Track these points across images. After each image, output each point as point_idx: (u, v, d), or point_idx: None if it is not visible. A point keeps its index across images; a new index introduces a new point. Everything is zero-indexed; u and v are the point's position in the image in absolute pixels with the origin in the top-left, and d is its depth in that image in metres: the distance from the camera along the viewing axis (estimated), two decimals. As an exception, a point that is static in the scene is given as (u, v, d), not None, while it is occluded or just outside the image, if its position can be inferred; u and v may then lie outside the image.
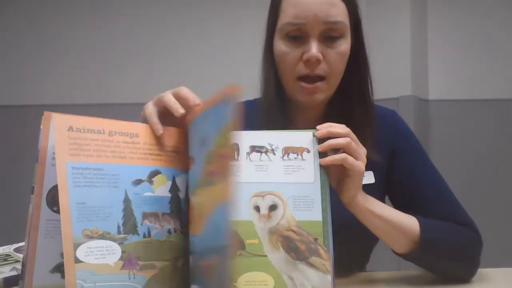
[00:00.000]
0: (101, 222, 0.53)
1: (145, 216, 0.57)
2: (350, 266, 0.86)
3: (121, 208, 0.55)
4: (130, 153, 0.58)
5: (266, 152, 0.66)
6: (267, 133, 0.69)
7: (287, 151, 0.66)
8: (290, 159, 0.66)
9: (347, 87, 0.84)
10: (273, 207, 0.64)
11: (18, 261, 0.70)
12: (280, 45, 0.80)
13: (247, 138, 0.66)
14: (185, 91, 0.63)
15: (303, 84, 0.79)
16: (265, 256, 0.62)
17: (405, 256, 0.76)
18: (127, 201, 0.56)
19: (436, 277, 0.80)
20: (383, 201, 0.85)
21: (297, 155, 0.66)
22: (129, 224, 0.55)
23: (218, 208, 0.51)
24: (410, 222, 0.74)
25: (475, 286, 0.78)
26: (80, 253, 0.51)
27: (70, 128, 0.55)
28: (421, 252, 0.74)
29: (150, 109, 0.62)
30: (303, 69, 0.79)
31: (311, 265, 0.62)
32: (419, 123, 2.37)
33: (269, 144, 0.66)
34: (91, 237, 0.52)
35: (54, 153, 0.56)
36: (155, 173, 0.59)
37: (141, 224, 0.56)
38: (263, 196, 0.64)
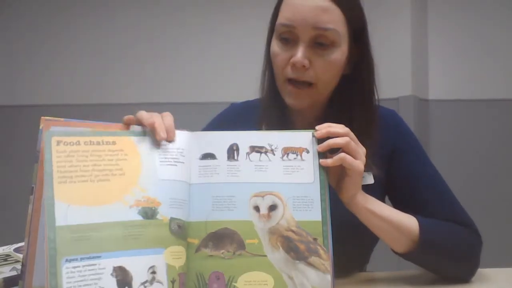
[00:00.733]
0: None
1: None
2: (350, 266, 0.86)
3: None
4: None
5: (265, 152, 0.66)
6: (266, 133, 0.69)
7: (286, 151, 0.66)
8: (289, 159, 0.66)
9: (349, 90, 0.83)
10: (272, 207, 0.64)
11: (18, 261, 0.70)
12: (274, 46, 0.80)
13: (246, 138, 0.67)
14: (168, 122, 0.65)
15: (290, 87, 0.79)
16: (265, 256, 0.62)
17: (405, 256, 0.76)
18: None
19: (436, 277, 0.80)
20: (383, 201, 0.85)
21: (297, 155, 0.66)
22: None
23: None
24: (410, 222, 0.74)
25: (475, 286, 0.78)
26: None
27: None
28: (421, 252, 0.74)
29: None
30: (290, 72, 0.78)
31: (311, 265, 0.62)
32: (419, 123, 2.37)
33: (268, 144, 0.67)
34: None
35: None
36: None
37: None
38: (262, 196, 0.64)
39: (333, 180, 0.70)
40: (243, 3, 2.55)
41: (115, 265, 0.55)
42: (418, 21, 2.46)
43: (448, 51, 2.53)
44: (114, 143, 0.61)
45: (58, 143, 0.57)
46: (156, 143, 0.63)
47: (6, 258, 0.71)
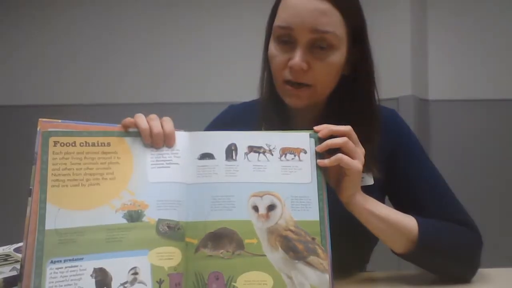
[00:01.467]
0: None
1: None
2: (350, 266, 0.85)
3: None
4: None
5: (264, 152, 0.66)
6: (264, 133, 0.69)
7: (284, 151, 0.67)
8: (287, 160, 0.66)
9: (348, 90, 0.83)
10: (271, 207, 0.64)
11: (18, 261, 0.70)
12: (271, 47, 0.80)
13: (245, 139, 0.67)
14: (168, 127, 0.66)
15: (288, 87, 0.79)
16: (264, 255, 0.62)
17: (404, 256, 0.76)
18: None
19: (436, 277, 0.80)
20: (382, 201, 0.85)
21: (294, 155, 0.66)
22: None
23: None
24: (409, 223, 0.74)
25: (475, 286, 0.78)
26: None
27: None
28: (420, 252, 0.74)
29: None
30: (288, 75, 0.78)
31: (310, 264, 0.62)
32: (419, 123, 2.36)
33: (266, 144, 0.67)
34: None
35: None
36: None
37: None
38: (261, 196, 0.64)
39: (333, 181, 0.70)
40: (243, 3, 2.55)
41: (95, 267, 0.57)
42: (418, 21, 2.45)
43: (448, 51, 2.52)
44: (108, 144, 0.63)
45: (55, 143, 0.60)
46: (149, 145, 0.65)
47: (6, 258, 0.71)
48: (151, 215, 0.62)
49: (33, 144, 0.59)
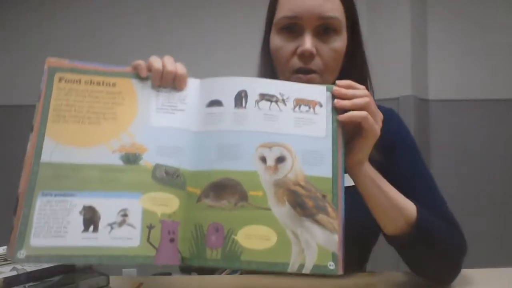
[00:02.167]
0: None
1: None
2: (349, 266, 0.81)
3: None
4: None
5: (276, 101, 0.62)
6: (278, 82, 0.64)
7: (298, 102, 0.62)
8: (301, 111, 0.62)
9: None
10: (280, 159, 0.59)
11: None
12: (276, 39, 0.80)
13: (257, 85, 0.62)
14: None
15: (300, 75, 0.78)
16: (269, 209, 0.57)
17: (396, 239, 0.71)
18: None
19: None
20: None
21: (309, 108, 0.62)
22: None
23: None
24: (409, 204, 0.71)
25: (475, 286, 0.75)
26: None
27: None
28: (414, 236, 0.69)
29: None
30: (298, 63, 0.77)
31: (318, 222, 0.57)
32: (419, 123, 2.36)
33: (280, 93, 0.62)
34: None
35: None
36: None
37: None
38: (270, 147, 0.59)
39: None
40: (243, 2, 2.53)
41: (85, 204, 0.56)
42: (418, 21, 2.46)
43: (448, 51, 2.52)
44: (114, 85, 0.62)
45: (60, 79, 0.60)
46: (156, 89, 0.62)
47: (6, 258, 0.68)
48: (149, 159, 0.59)
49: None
